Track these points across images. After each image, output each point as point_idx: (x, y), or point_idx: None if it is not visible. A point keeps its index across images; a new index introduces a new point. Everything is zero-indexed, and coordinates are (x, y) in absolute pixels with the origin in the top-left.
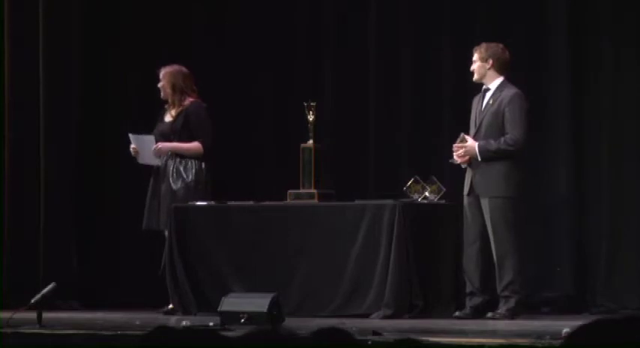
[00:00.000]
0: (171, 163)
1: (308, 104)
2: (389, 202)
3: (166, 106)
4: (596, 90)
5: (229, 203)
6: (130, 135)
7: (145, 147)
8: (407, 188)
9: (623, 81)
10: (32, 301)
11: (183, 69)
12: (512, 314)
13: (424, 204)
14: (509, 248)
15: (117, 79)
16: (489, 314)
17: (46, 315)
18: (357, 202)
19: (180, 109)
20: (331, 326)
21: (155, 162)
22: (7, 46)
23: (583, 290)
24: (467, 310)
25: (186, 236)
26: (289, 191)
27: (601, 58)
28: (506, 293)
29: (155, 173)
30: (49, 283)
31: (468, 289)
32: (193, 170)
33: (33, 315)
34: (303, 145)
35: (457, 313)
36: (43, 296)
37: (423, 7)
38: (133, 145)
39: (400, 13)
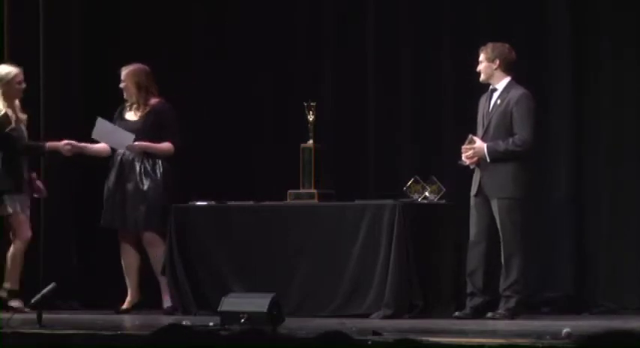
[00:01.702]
0: (138, 163)
1: (308, 104)
2: (389, 202)
3: (126, 105)
4: (596, 90)
5: (229, 203)
6: (100, 119)
7: (115, 136)
8: (407, 188)
9: (623, 81)
10: (32, 301)
11: (146, 67)
12: (512, 314)
13: (424, 204)
14: (516, 249)
15: (117, 79)
16: (489, 314)
17: (46, 315)
18: (357, 202)
19: (148, 108)
20: (333, 329)
21: (116, 146)
22: (7, 46)
23: (583, 290)
24: (467, 311)
25: (186, 236)
26: (289, 191)
27: (601, 58)
28: (508, 293)
29: (117, 171)
30: (49, 283)
31: (469, 290)
32: (162, 170)
33: (33, 315)
34: (303, 145)
35: (457, 313)
36: (43, 296)
37: (423, 7)
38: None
39: (400, 13)
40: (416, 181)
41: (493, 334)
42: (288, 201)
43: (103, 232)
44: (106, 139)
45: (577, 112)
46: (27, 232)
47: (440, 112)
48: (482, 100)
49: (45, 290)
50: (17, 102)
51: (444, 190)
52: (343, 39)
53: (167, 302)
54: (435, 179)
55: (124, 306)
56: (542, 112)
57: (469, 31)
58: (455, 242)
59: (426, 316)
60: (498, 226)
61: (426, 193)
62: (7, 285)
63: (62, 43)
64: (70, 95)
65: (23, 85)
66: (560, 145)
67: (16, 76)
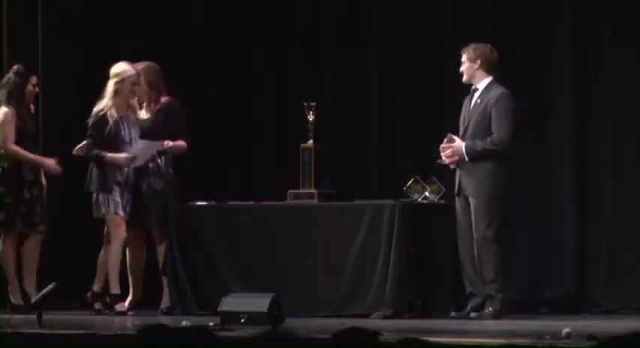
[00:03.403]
0: (151, 162)
1: (308, 104)
2: (389, 202)
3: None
4: (596, 90)
5: (229, 203)
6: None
7: (146, 150)
8: (407, 188)
9: (623, 81)
10: (32, 301)
11: (156, 65)
12: (498, 314)
13: (424, 204)
14: (488, 247)
15: None
16: (473, 314)
17: (46, 315)
18: (357, 202)
19: (158, 107)
20: (353, 326)
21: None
22: (6, 46)
23: (583, 290)
24: (469, 310)
25: (187, 236)
26: (289, 191)
27: (601, 58)
28: (490, 292)
29: (127, 171)
30: (49, 283)
31: (468, 290)
32: (172, 168)
33: (33, 315)
34: (303, 145)
35: (453, 314)
36: (43, 296)
37: (424, 7)
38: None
39: (401, 13)
40: (416, 181)
41: (493, 334)
42: (288, 201)
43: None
44: (142, 157)
45: (578, 112)
46: (122, 233)
47: (440, 112)
48: (466, 100)
49: (45, 290)
50: (133, 102)
51: (444, 190)
52: (343, 39)
53: (165, 303)
54: (435, 179)
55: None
56: (544, 112)
57: (470, 31)
58: (455, 242)
59: (426, 316)
60: (473, 225)
61: (426, 193)
62: (113, 290)
63: (62, 42)
64: (70, 95)
65: (136, 87)
66: (560, 146)
67: (131, 76)
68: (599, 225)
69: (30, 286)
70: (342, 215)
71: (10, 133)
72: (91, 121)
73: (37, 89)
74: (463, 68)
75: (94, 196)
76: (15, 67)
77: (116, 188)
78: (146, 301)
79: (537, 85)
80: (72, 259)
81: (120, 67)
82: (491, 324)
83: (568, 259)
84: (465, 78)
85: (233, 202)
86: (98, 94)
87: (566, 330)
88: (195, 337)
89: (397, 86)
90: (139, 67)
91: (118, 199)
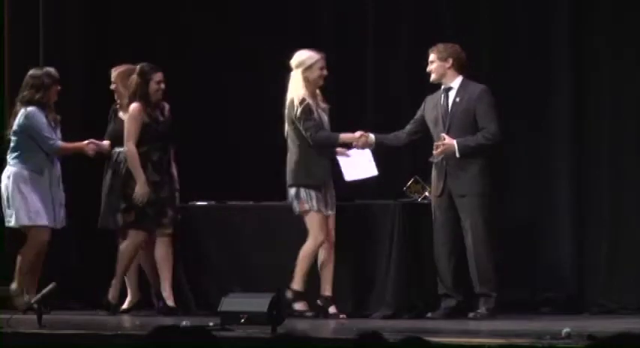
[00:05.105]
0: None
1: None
2: (389, 202)
3: (117, 106)
4: (596, 90)
5: (229, 203)
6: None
7: (355, 161)
8: (407, 188)
9: (623, 81)
10: (32, 301)
11: (135, 68)
12: (493, 313)
13: (424, 204)
14: (486, 246)
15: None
16: (470, 314)
17: (46, 315)
18: (357, 202)
19: None
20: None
21: (368, 174)
22: (6, 45)
23: (583, 290)
24: (441, 311)
25: (187, 236)
26: None
27: (600, 59)
28: (485, 291)
29: (112, 172)
30: (49, 283)
31: (441, 291)
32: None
33: (33, 315)
34: None
35: (429, 314)
36: (43, 296)
37: (422, 7)
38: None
39: (399, 12)
40: (416, 181)
41: (493, 334)
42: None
43: (103, 232)
44: (354, 173)
45: (578, 112)
46: (320, 234)
47: None
48: (433, 99)
49: (45, 290)
50: (318, 91)
51: None
52: (343, 38)
53: (160, 302)
54: None
55: (124, 306)
56: (542, 111)
57: (470, 31)
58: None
59: (426, 316)
60: (466, 224)
61: (426, 193)
62: (294, 286)
63: (61, 43)
64: (70, 95)
65: (325, 72)
66: (560, 145)
67: (317, 62)
68: (599, 225)
69: (167, 290)
70: (342, 215)
71: (133, 130)
72: (297, 112)
73: (162, 86)
74: (432, 68)
75: (294, 190)
76: (139, 65)
77: (324, 182)
78: (145, 301)
79: (537, 84)
80: (72, 259)
81: (303, 55)
82: (491, 324)
83: (568, 258)
84: (433, 77)
85: (233, 202)
86: (98, 94)
87: (566, 330)
88: (195, 337)
89: (397, 86)
90: (118, 70)
91: (321, 195)
